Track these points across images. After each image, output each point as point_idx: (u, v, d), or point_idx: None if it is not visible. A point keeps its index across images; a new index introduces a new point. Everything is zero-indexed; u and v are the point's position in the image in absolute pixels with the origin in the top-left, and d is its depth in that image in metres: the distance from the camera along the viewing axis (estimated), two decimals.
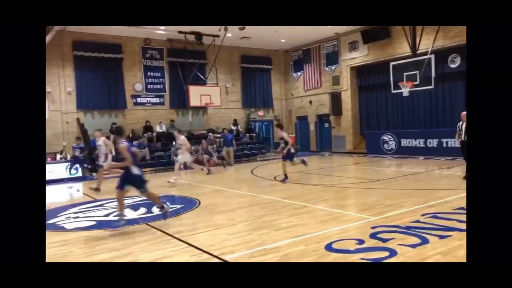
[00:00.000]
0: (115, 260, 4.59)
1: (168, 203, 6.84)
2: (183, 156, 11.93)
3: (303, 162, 10.89)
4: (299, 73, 22.57)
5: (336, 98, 20.23)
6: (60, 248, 5.24)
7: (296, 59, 22.62)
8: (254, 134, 21.20)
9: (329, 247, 4.59)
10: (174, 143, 15.14)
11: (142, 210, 7.55)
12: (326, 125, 21.44)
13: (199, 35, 18.08)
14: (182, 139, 12.01)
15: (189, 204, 8.00)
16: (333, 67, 20.49)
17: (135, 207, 7.81)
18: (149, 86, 19.00)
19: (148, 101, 19.03)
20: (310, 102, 21.97)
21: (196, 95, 18.40)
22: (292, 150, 10.46)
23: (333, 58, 20.39)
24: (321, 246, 4.66)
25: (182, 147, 11.86)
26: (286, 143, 10.30)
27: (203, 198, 8.57)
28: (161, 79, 19.28)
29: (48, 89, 16.44)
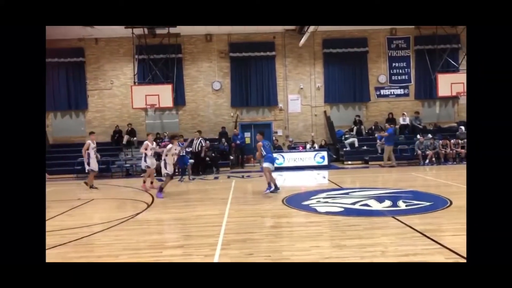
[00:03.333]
0: (364, 248, 4.73)
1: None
2: None
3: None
4: None
5: None
6: (315, 228, 5.84)
7: None
8: None
9: None
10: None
11: (388, 203, 7.49)
12: None
13: None
14: None
15: (439, 202, 7.38)
16: None
17: (380, 199, 7.84)
18: (393, 78, 18.57)
19: (392, 93, 18.63)
20: None
21: (446, 84, 16.68)
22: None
23: None
24: None
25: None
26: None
27: (455, 198, 7.73)
28: (406, 69, 18.50)
29: (301, 85, 18.49)
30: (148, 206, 8.30)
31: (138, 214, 7.46)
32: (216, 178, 13.52)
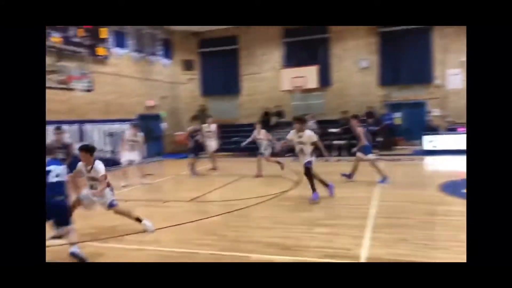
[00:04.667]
0: None
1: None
2: None
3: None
4: None
5: None
6: None
7: None
8: None
9: None
10: None
11: None
12: None
13: None
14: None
15: None
16: None
17: None
18: None
19: None
20: None
21: None
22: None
23: None
24: None
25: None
26: None
27: None
28: None
29: (462, 58, 16.31)
30: (296, 184, 8.64)
31: (287, 191, 7.83)
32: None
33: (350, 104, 17.66)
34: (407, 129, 16.68)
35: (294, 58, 17.79)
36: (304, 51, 17.27)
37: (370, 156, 8.51)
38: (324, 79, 17.67)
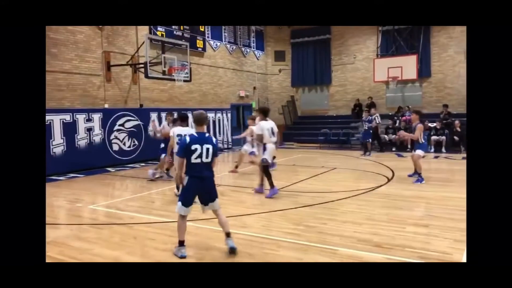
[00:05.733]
0: None
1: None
2: None
3: None
4: None
5: None
6: None
7: None
8: None
9: None
10: None
11: None
12: None
13: None
14: None
15: None
16: None
17: None
18: None
19: None
20: None
21: None
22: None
23: None
24: None
25: None
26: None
27: None
28: None
29: None
30: (389, 180, 8.23)
31: (379, 187, 7.51)
32: (464, 158, 12.03)
33: (452, 97, 16.25)
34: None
35: (391, 47, 16.84)
36: (402, 40, 16.23)
37: (421, 153, 8.19)
38: (423, 70, 16.47)
